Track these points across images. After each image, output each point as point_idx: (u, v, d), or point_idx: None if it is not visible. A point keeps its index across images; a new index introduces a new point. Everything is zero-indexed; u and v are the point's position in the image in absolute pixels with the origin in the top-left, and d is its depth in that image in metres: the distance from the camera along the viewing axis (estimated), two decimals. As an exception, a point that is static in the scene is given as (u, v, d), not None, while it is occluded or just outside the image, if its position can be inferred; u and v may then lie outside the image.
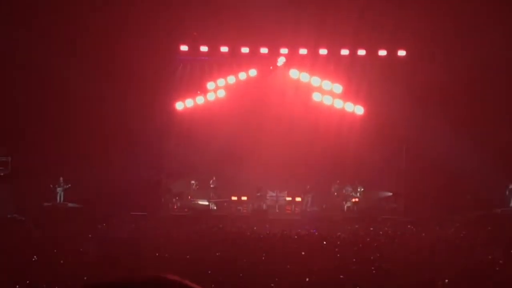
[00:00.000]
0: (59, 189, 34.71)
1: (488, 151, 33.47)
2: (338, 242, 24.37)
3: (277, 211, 35.67)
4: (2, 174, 34.67)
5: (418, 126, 34.37)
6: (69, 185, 34.54)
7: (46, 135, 34.46)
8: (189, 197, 36.74)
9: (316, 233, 27.18)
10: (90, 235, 25.32)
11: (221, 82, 36.48)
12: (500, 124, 33.94)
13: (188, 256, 20.83)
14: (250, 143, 35.72)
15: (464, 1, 33.30)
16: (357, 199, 35.94)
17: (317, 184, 35.97)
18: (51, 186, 34.61)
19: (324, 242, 24.46)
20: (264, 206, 35.69)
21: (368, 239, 25.59)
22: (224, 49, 35.53)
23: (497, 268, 19.87)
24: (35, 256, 20.62)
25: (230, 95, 36.65)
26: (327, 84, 36.06)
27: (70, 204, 34.38)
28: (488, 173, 32.97)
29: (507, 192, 34.41)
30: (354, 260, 20.76)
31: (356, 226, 29.69)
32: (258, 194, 35.71)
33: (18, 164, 34.36)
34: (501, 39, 32.42)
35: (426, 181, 33.91)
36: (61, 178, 34.62)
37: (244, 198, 36.36)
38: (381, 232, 27.85)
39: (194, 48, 35.58)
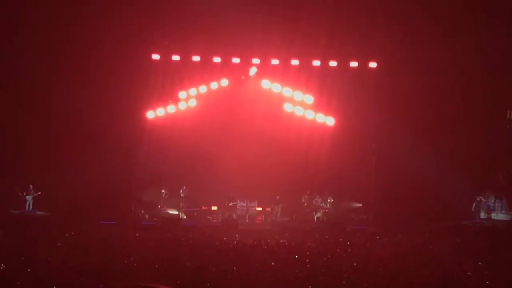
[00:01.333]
0: (28, 197, 34.47)
1: (457, 163, 33.71)
2: (308, 253, 24.36)
3: (247, 221, 35.68)
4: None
5: (388, 137, 34.53)
6: (39, 192, 34.30)
7: (16, 142, 34.23)
8: (159, 206, 36.62)
9: (286, 244, 27.15)
10: (58, 244, 25.11)
11: (192, 91, 36.40)
12: (471, 137, 34.19)
13: (156, 266, 20.73)
14: (221, 153, 35.72)
15: (432, 14, 33.56)
16: (327, 210, 36.03)
17: (287, 194, 36.02)
18: (20, 193, 34.34)
19: (294, 253, 24.44)
20: (234, 216, 35.66)
21: (338, 250, 25.62)
22: (196, 58, 35.47)
23: (465, 280, 19.96)
24: (2, 264, 20.42)
25: (202, 104, 36.58)
26: (298, 95, 36.12)
27: (38, 212, 34.12)
28: (457, 185, 33.20)
29: (474, 205, 34.64)
30: (323, 270, 20.76)
31: (326, 236, 29.71)
32: (231, 203, 35.70)
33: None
34: (472, 49, 32.67)
35: (396, 192, 34.06)
36: (31, 186, 34.37)
37: (214, 208, 36.31)
38: (348, 243, 27.89)
39: (166, 57, 35.48)
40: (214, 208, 36.28)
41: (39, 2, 33.27)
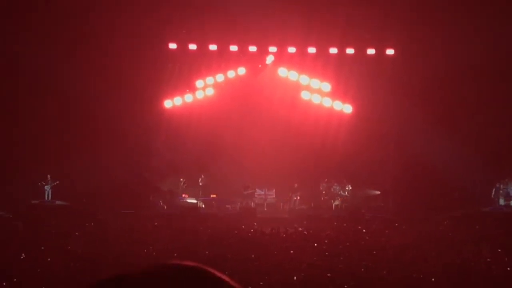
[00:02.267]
0: (47, 187, 34.62)
1: (476, 150, 33.59)
2: (326, 241, 24.40)
3: (265, 209, 35.67)
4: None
5: (407, 124, 34.46)
6: (57, 182, 34.45)
7: (34, 132, 34.41)
8: (178, 195, 36.69)
9: (305, 232, 27.18)
10: (77, 233, 25.26)
11: (209, 80, 36.42)
12: (490, 123, 34.04)
13: (175, 254, 20.83)
14: (239, 141, 35.75)
15: (451, 2, 33.42)
16: (345, 197, 36.00)
17: (305, 182, 36.00)
18: (39, 183, 34.53)
19: (312, 241, 24.48)
20: (253, 204, 35.69)
21: (356, 238, 25.63)
22: (213, 47, 35.46)
23: (485, 266, 19.95)
24: (23, 254, 20.58)
25: (219, 93, 36.61)
26: (315, 83, 36.08)
27: (58, 202, 34.28)
28: (476, 172, 33.08)
29: (493, 191, 34.51)
30: (342, 258, 20.80)
31: (344, 224, 29.71)
32: (245, 192, 35.71)
33: (4, 161, 34.18)
34: (489, 38, 32.50)
35: (414, 180, 33.99)
36: (49, 176, 34.53)
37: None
38: (364, 231, 27.90)
39: (183, 46, 35.51)
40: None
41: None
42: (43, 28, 33.63)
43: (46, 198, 34.65)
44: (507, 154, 34.44)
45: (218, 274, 2.27)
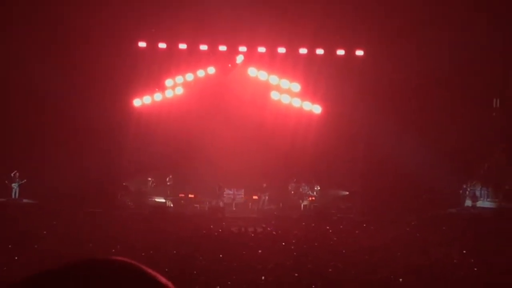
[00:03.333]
0: (14, 185, 34.34)
1: (444, 152, 33.79)
2: (294, 241, 24.44)
3: (234, 209, 35.65)
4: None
5: (375, 125, 34.59)
6: (24, 180, 34.19)
7: (1, 128, 34.14)
8: (145, 194, 36.55)
9: (273, 232, 27.20)
10: (44, 232, 25.08)
11: (179, 79, 36.34)
12: (458, 125, 34.26)
13: (143, 254, 20.76)
14: (208, 141, 35.68)
15: (418, 3, 33.62)
16: (313, 198, 36.07)
17: (274, 182, 36.02)
18: (6, 181, 34.24)
19: (281, 241, 24.52)
20: (221, 204, 35.65)
21: (325, 238, 25.69)
22: (182, 46, 35.40)
23: (452, 267, 20.08)
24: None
25: (188, 92, 36.53)
26: (285, 83, 36.13)
27: (25, 200, 34.03)
28: (444, 174, 33.27)
29: (461, 193, 34.78)
30: (309, 258, 20.83)
31: (313, 224, 29.77)
32: (219, 191, 35.69)
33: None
34: (457, 38, 32.71)
35: (382, 181, 34.12)
36: (17, 173, 34.25)
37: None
38: (332, 231, 27.99)
39: (152, 44, 35.38)
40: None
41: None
42: (14, 26, 33.39)
43: (13, 196, 34.37)
44: (475, 156, 34.74)
45: (148, 270, 2.22)
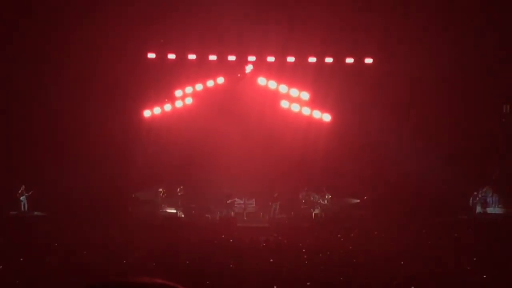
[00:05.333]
0: (22, 198, 34.44)
1: (454, 158, 33.72)
2: (304, 250, 24.39)
3: (245, 218, 35.64)
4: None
5: (385, 133, 34.54)
6: (31, 192, 34.25)
7: (10, 142, 34.26)
8: (157, 205, 36.57)
9: (284, 241, 27.17)
10: (56, 244, 25.11)
11: (188, 89, 36.41)
12: (468, 132, 34.20)
13: (154, 264, 20.75)
14: (218, 151, 35.68)
15: (428, 9, 33.56)
16: (324, 206, 36.02)
17: (285, 191, 36.00)
18: (17, 194, 34.34)
19: (292, 250, 24.48)
20: (232, 214, 35.67)
21: (336, 247, 25.64)
22: (191, 56, 35.46)
23: (464, 276, 20.00)
24: (0, 265, 20.43)
25: (198, 102, 36.58)
26: (294, 92, 36.15)
27: (35, 213, 34.11)
28: (454, 180, 33.19)
29: (471, 199, 34.69)
30: (322, 267, 20.79)
31: (324, 233, 29.73)
32: (228, 201, 35.72)
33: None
34: (467, 44, 32.68)
35: (393, 188, 34.06)
36: (23, 186, 34.36)
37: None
38: (342, 239, 27.95)
39: (161, 55, 35.47)
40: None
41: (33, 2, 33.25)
42: (25, 40, 33.51)
43: (22, 209, 34.48)
44: (485, 163, 34.65)
45: None
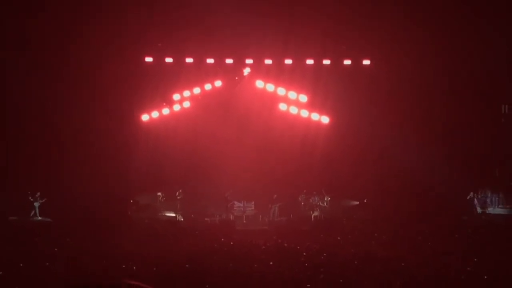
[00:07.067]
0: (36, 204, 34.46)
1: (454, 159, 33.72)
2: (304, 253, 24.35)
3: (245, 221, 35.59)
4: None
5: (384, 134, 34.52)
6: (45, 199, 34.30)
7: (13, 150, 34.34)
8: (156, 209, 36.53)
9: (284, 244, 27.13)
10: (56, 249, 25.07)
11: (186, 93, 36.37)
12: (468, 133, 34.21)
13: (155, 268, 20.73)
14: (216, 154, 35.65)
15: (425, 10, 33.56)
16: (324, 208, 35.98)
17: (284, 193, 35.96)
18: (31, 199, 34.33)
19: (292, 253, 24.45)
20: (232, 217, 35.63)
21: (336, 249, 25.60)
22: (189, 60, 35.41)
23: (466, 276, 19.98)
24: (0, 272, 20.40)
25: (196, 106, 36.53)
26: (292, 94, 36.10)
27: (40, 218, 34.13)
28: (455, 181, 33.21)
29: (472, 200, 34.69)
30: (321, 269, 20.76)
31: (324, 235, 29.68)
32: (229, 204, 35.67)
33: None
34: (466, 45, 32.70)
35: (393, 190, 34.04)
36: (38, 193, 34.38)
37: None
38: (342, 242, 27.90)
39: (159, 59, 35.41)
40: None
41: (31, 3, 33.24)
42: (27, 53, 33.55)
43: (31, 214, 34.49)
44: (485, 163, 34.66)
45: None
